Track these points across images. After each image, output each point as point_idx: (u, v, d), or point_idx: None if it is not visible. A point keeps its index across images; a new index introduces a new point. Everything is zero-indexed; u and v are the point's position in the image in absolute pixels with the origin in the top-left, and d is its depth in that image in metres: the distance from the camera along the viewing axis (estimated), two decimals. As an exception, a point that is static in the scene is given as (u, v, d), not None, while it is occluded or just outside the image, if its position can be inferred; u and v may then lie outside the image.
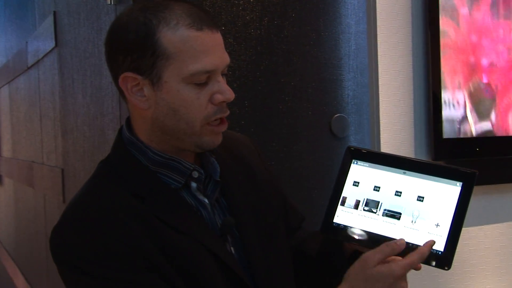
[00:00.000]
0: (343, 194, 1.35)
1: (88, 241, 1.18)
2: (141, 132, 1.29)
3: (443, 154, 2.32)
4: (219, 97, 1.24)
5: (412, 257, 1.20)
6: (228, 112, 1.27)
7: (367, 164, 1.34)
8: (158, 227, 1.20)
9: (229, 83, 1.30)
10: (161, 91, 1.22)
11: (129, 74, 1.23)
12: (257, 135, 2.16)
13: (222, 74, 1.26)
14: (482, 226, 2.48)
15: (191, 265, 1.21)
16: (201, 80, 1.21)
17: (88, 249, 1.17)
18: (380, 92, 2.29)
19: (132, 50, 1.21)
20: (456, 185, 1.25)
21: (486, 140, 2.41)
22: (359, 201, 1.33)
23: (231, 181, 1.36)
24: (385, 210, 1.30)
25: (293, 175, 2.23)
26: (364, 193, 1.33)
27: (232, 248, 1.31)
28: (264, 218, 1.36)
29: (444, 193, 1.26)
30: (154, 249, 1.18)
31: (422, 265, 1.25)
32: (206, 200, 1.30)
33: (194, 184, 1.30)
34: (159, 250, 1.18)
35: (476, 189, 1.26)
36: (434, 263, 1.23)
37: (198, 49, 1.20)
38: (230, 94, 1.25)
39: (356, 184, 1.33)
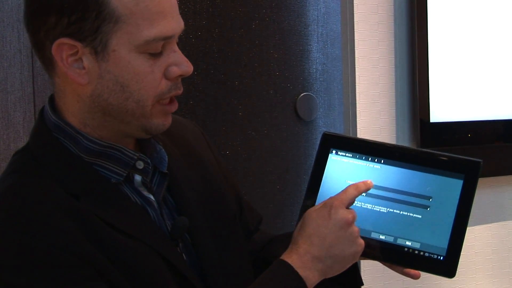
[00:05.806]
0: (320, 191, 1.33)
1: (19, 247, 1.11)
2: (72, 113, 1.24)
3: (430, 141, 2.29)
4: (175, 71, 1.21)
5: (347, 188, 1.26)
6: (182, 89, 1.27)
7: (348, 154, 1.33)
8: (101, 229, 1.18)
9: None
10: (107, 62, 1.18)
11: (66, 40, 1.16)
12: (207, 117, 2.12)
13: None
14: (473, 227, 2.44)
15: (142, 272, 1.19)
16: (156, 49, 1.19)
17: (16, 257, 1.11)
18: (356, 66, 2.24)
19: (70, 9, 1.14)
20: (457, 177, 1.25)
21: (479, 125, 2.40)
22: None
23: (178, 175, 1.33)
24: (371, 209, 1.29)
25: (251, 167, 2.19)
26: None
27: (183, 255, 1.28)
28: (218, 220, 1.35)
29: (443, 188, 1.26)
30: (97, 253, 1.15)
31: (422, 273, 1.25)
32: (152, 197, 1.26)
33: (138, 177, 1.26)
34: (104, 255, 1.16)
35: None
36: (435, 271, 1.24)
37: (153, 10, 1.17)
38: (188, 67, 1.22)
39: (335, 178, 1.33)
